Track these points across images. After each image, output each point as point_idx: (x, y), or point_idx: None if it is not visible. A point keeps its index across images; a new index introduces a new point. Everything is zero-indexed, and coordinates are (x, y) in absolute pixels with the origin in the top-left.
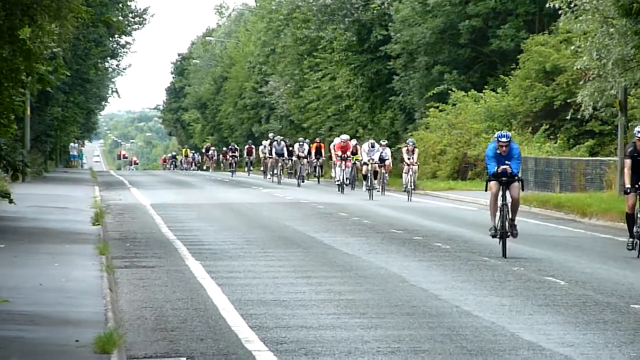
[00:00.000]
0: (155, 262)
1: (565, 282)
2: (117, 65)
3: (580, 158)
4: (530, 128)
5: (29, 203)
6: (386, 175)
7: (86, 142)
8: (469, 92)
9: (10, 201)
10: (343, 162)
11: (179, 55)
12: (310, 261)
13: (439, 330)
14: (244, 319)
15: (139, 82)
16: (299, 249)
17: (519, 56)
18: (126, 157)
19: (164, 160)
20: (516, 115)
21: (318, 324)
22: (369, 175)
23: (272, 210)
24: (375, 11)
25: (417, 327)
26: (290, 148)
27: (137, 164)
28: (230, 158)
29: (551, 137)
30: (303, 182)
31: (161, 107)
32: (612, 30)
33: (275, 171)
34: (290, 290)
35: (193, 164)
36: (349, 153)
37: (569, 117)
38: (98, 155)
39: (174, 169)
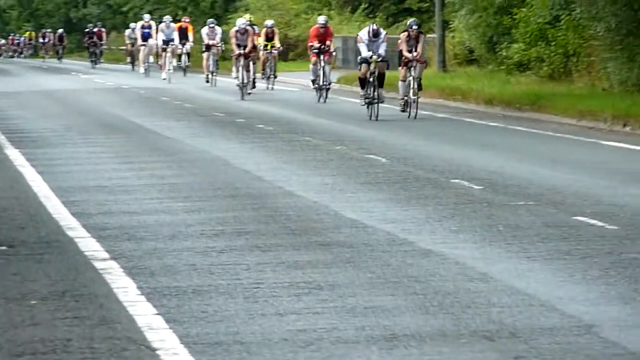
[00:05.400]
0: None
1: (387, 160)
2: None
3: (399, 36)
4: (350, 7)
5: None
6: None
7: None
8: None
9: None
10: (322, 58)
11: None
12: (132, 146)
13: (262, 211)
14: (65, 206)
15: None
16: (120, 134)
17: None
18: None
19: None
20: None
21: (141, 209)
22: (371, 80)
23: (93, 96)
24: None
25: (241, 209)
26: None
27: None
28: (59, 45)
29: (370, 15)
30: (211, 82)
31: None
32: None
33: (151, 60)
34: (113, 176)
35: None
36: (329, 43)
37: None
38: None
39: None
